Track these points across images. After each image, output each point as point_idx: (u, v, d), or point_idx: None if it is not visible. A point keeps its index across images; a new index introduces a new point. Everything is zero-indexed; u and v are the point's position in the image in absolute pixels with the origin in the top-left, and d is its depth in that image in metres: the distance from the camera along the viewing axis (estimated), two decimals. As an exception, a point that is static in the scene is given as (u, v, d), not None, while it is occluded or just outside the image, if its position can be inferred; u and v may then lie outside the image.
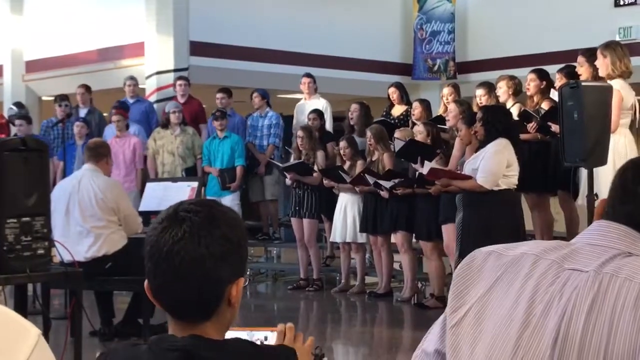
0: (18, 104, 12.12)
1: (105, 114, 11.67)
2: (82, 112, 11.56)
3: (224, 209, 1.83)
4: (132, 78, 11.55)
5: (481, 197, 7.01)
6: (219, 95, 11.23)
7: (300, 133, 10.00)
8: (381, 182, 8.72)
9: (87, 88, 11.66)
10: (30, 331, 1.17)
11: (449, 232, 7.93)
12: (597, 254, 1.54)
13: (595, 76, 7.20)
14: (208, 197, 10.48)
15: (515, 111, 8.44)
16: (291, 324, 2.10)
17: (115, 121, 10.65)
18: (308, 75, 11.10)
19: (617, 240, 1.56)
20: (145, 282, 1.80)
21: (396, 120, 10.20)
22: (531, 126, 8.10)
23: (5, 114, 11.61)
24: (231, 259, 1.77)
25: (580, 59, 7.54)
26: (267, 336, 2.12)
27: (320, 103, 10.91)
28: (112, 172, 9.08)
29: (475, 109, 8.46)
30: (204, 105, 11.67)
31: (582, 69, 7.49)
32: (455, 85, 9.82)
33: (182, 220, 1.75)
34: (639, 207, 1.57)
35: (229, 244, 1.77)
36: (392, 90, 10.53)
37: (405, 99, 10.47)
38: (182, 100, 11.33)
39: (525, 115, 8.22)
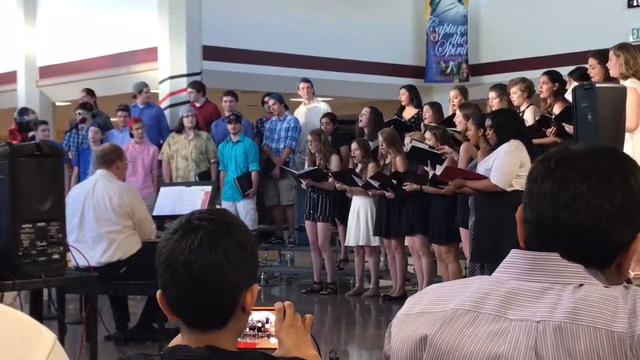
0: (24, 110, 12.11)
1: (114, 119, 11.68)
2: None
3: (234, 217, 1.88)
4: (146, 85, 11.57)
5: (493, 199, 6.96)
6: (226, 98, 11.16)
7: (309, 137, 10.01)
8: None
9: (90, 92, 11.68)
10: (45, 336, 1.17)
11: (465, 236, 7.89)
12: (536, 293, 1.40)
13: (607, 78, 7.15)
14: (223, 202, 10.49)
15: (529, 113, 8.40)
16: (289, 302, 2.11)
17: (135, 129, 10.62)
18: (305, 80, 11.10)
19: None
20: (158, 292, 1.80)
21: (408, 124, 10.17)
22: (550, 131, 8.04)
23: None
24: (246, 265, 1.79)
25: (592, 60, 7.47)
26: (267, 317, 2.09)
27: (321, 107, 10.93)
28: (130, 178, 9.12)
29: (488, 111, 8.43)
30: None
31: (594, 71, 7.43)
32: (462, 89, 9.77)
33: (197, 229, 1.76)
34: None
35: (244, 251, 1.79)
36: (402, 91, 10.50)
37: (415, 101, 10.41)
38: (197, 105, 11.35)
39: (543, 120, 8.17)
